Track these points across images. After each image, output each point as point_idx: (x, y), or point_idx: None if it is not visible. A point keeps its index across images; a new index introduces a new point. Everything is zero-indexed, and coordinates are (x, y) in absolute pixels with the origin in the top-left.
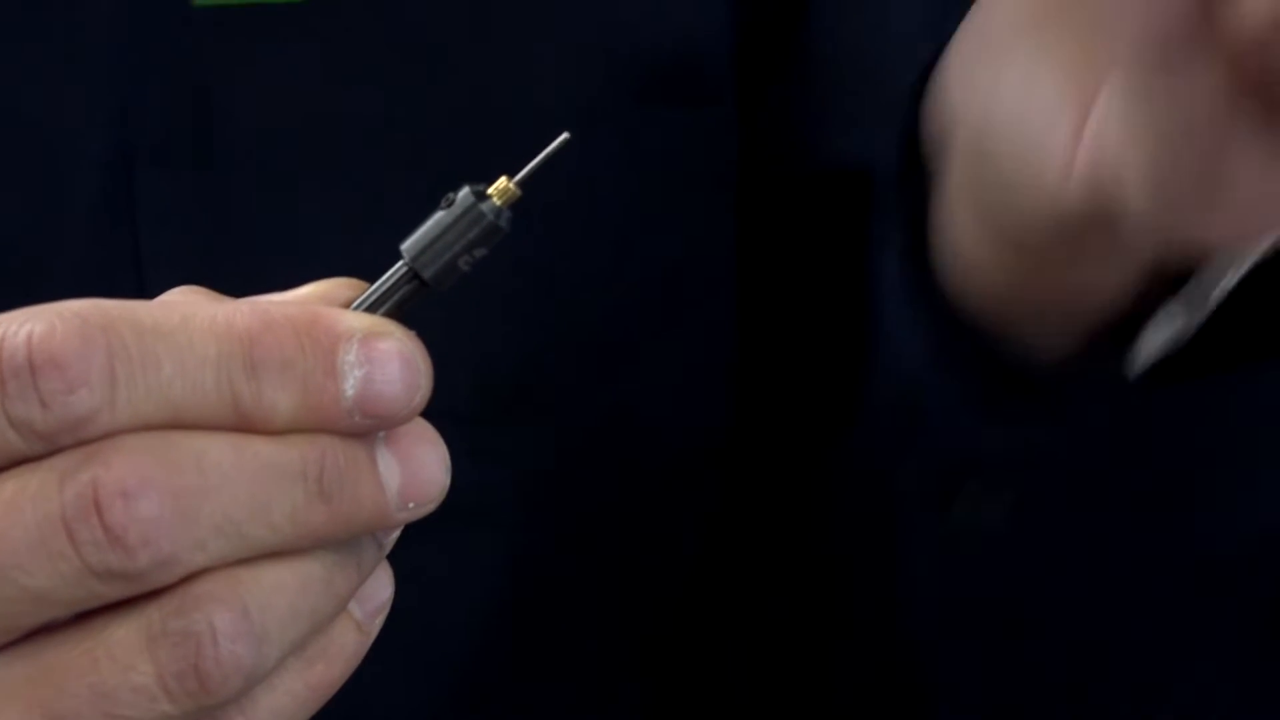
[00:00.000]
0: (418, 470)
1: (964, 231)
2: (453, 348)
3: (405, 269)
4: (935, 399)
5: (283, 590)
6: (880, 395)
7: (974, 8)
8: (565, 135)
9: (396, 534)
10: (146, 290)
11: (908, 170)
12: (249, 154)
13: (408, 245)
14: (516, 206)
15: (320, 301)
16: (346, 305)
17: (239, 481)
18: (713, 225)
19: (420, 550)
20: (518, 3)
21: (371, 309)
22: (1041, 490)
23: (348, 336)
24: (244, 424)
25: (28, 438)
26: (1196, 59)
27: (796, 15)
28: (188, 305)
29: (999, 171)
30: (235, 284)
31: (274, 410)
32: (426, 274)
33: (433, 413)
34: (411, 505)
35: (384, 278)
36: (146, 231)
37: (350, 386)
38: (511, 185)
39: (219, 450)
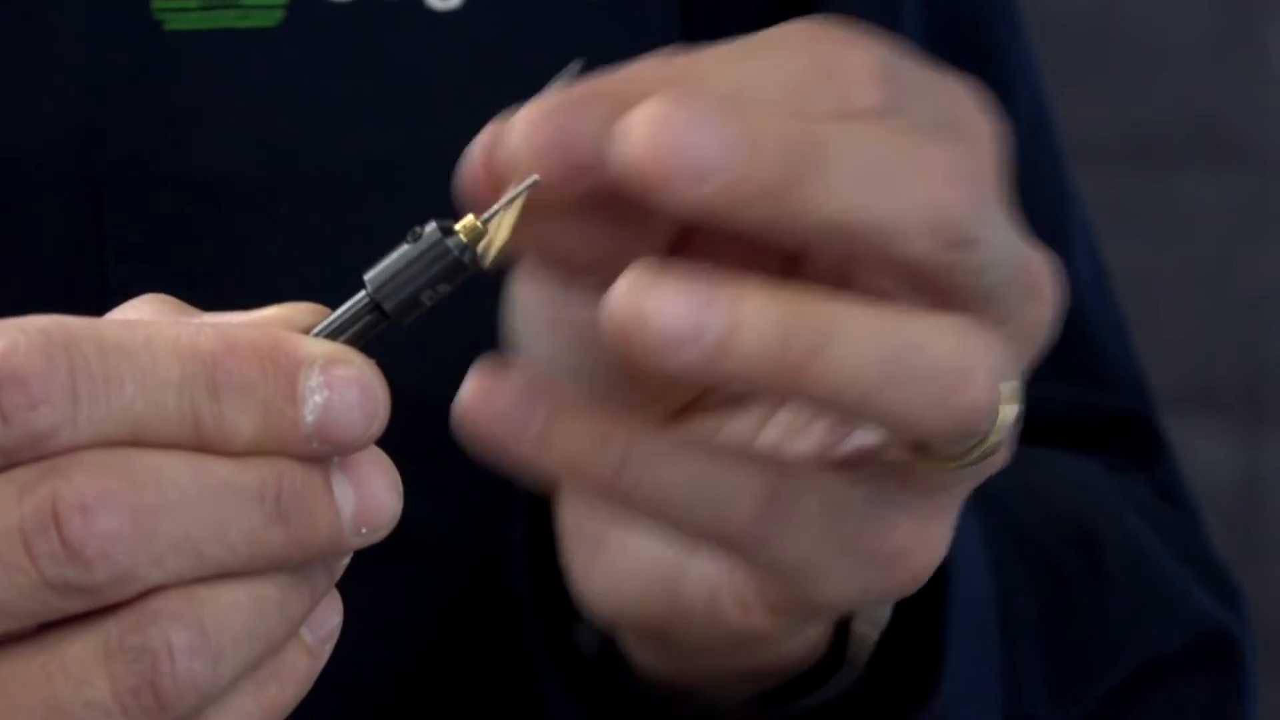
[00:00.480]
0: (371, 496)
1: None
2: (389, 381)
3: (366, 299)
4: None
5: (238, 610)
6: None
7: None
8: (535, 177)
9: (346, 561)
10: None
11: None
12: (219, 181)
13: (371, 276)
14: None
15: (281, 325)
16: (307, 330)
17: (198, 500)
18: None
19: (349, 583)
20: (483, 50)
21: (331, 336)
22: None
23: (309, 362)
24: (203, 445)
25: None
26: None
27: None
28: (151, 324)
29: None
30: (204, 308)
31: (234, 432)
32: (388, 305)
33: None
34: (364, 531)
35: (345, 306)
36: (113, 259)
37: (309, 412)
38: (479, 223)
39: (178, 469)
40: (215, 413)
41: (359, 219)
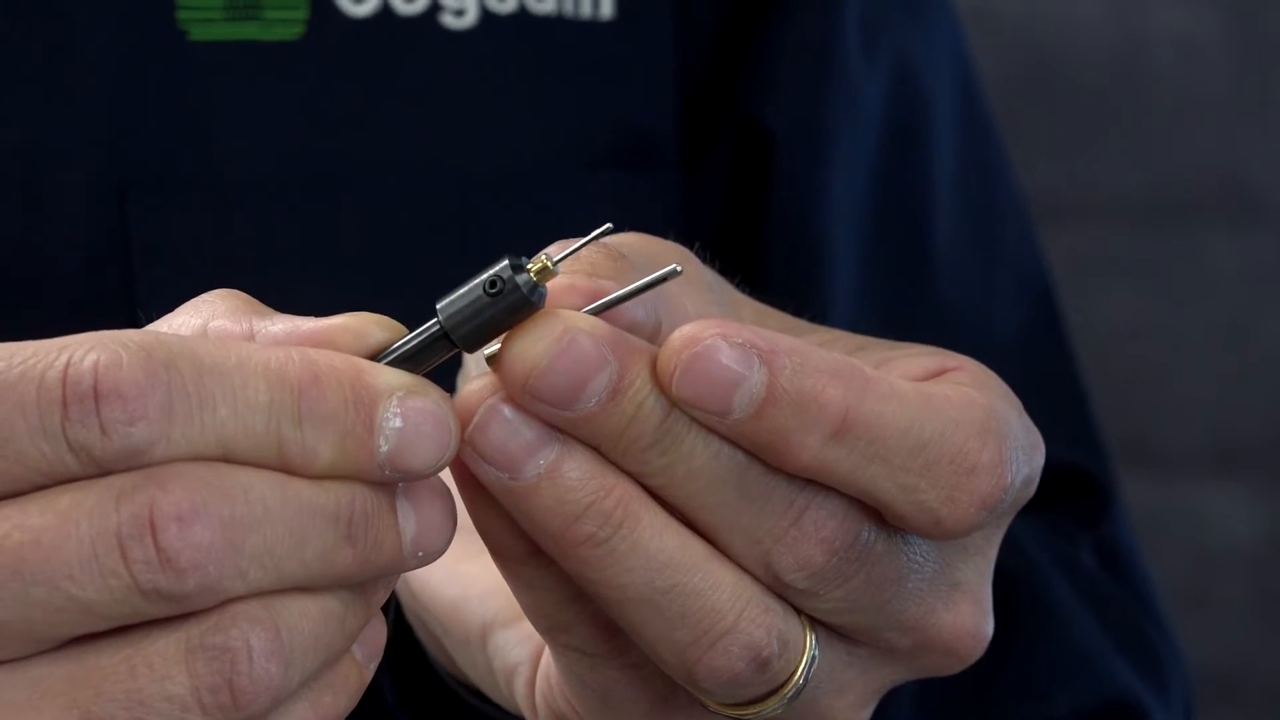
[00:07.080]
0: (430, 522)
1: None
2: None
3: (438, 328)
4: None
5: (307, 619)
6: None
7: None
8: (609, 225)
9: (396, 581)
10: (139, 320)
11: None
12: (241, 185)
13: (442, 305)
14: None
15: (349, 335)
16: (376, 350)
17: (281, 518)
18: None
19: None
20: (493, 68)
21: (401, 360)
22: None
23: (387, 394)
24: (285, 466)
25: (83, 461)
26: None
27: (733, 82)
28: (241, 346)
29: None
30: None
31: (315, 457)
32: (456, 335)
33: None
34: (421, 554)
35: (417, 332)
36: (140, 260)
37: (385, 442)
38: (550, 264)
39: (264, 486)
40: (298, 439)
41: (376, 222)
